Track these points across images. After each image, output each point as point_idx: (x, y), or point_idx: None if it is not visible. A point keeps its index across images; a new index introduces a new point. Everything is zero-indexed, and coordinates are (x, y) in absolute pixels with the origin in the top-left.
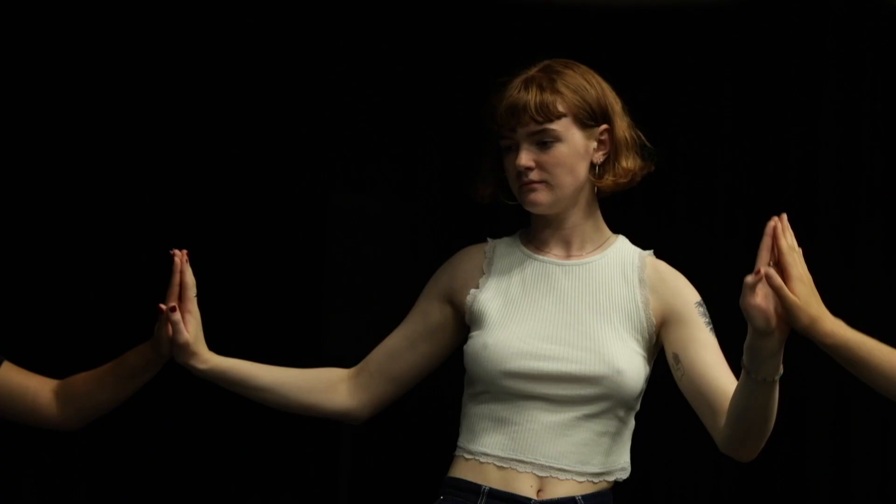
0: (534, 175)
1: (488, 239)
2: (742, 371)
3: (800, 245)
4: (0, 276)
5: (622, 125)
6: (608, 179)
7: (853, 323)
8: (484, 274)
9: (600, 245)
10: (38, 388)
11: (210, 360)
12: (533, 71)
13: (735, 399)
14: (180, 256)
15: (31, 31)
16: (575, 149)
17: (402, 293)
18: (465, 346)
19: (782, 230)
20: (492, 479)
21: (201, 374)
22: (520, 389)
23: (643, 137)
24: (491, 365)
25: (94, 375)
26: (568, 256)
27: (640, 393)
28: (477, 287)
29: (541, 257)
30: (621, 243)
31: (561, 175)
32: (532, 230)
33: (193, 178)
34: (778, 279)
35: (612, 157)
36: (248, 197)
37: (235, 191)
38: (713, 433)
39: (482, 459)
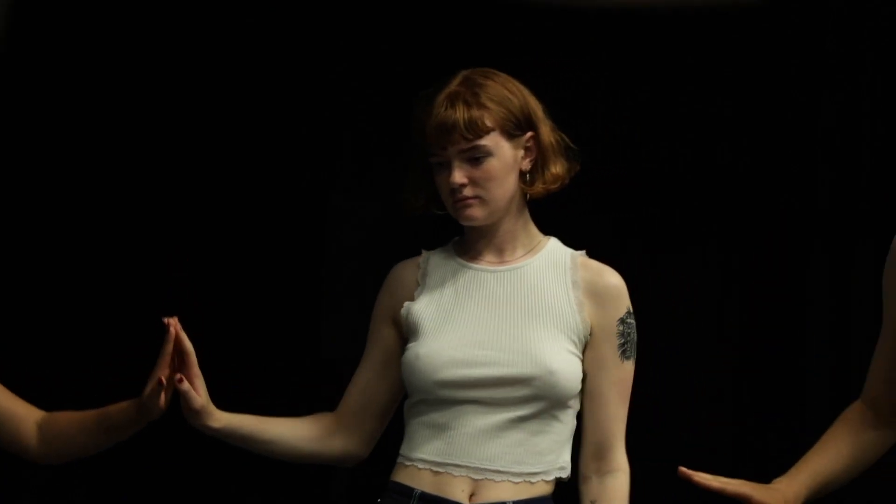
0: (467, 191)
1: (422, 251)
2: None
3: (798, 253)
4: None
5: (546, 130)
6: (538, 186)
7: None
8: (419, 285)
9: (531, 248)
10: (23, 416)
11: (222, 417)
12: (455, 85)
13: None
14: (174, 325)
15: (33, 32)
16: (505, 161)
17: None
18: (402, 358)
19: (689, 477)
20: (425, 484)
21: (214, 432)
22: (454, 396)
23: (567, 139)
24: (424, 375)
25: (79, 419)
26: (500, 262)
27: (576, 392)
28: (412, 299)
29: (473, 265)
30: (553, 245)
31: (493, 189)
32: (466, 239)
33: (193, 179)
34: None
35: (539, 162)
36: (248, 197)
37: (235, 191)
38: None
39: (420, 465)
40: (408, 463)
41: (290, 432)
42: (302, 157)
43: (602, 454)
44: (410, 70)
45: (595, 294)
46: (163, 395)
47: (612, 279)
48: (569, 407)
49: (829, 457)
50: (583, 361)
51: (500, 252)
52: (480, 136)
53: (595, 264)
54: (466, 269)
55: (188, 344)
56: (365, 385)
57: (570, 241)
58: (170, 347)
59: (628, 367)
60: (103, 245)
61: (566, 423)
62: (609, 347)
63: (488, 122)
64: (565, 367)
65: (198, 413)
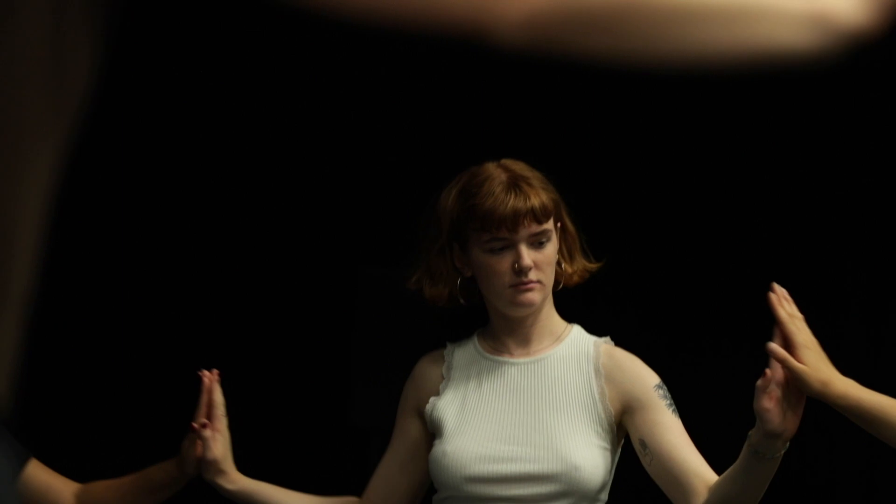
0: (532, 275)
1: (447, 344)
2: (747, 448)
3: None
4: None
5: (569, 219)
6: (574, 278)
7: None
8: (444, 379)
9: (556, 338)
10: (60, 490)
11: (238, 480)
12: (502, 174)
13: (731, 477)
14: (209, 378)
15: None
16: (556, 246)
17: None
18: (429, 455)
19: (779, 300)
20: None
21: (228, 494)
22: (482, 493)
23: (580, 230)
24: (451, 472)
25: (116, 486)
26: (525, 354)
27: (605, 484)
28: (437, 394)
29: (497, 357)
30: (576, 333)
31: (550, 273)
32: (491, 330)
33: (225, 249)
34: (781, 352)
35: (564, 251)
36: (281, 264)
37: (268, 258)
38: None
39: None
40: None
41: None
42: (334, 225)
43: (705, 473)
44: (442, 145)
45: (621, 377)
46: (199, 444)
47: (636, 360)
48: (596, 500)
49: (893, 405)
50: (618, 443)
51: (526, 343)
52: (548, 220)
53: (618, 350)
54: (490, 362)
55: (219, 396)
56: (386, 477)
57: (595, 329)
58: (205, 398)
59: (680, 422)
60: (128, 321)
61: None
62: (657, 408)
63: (550, 206)
64: (591, 460)
65: (212, 466)
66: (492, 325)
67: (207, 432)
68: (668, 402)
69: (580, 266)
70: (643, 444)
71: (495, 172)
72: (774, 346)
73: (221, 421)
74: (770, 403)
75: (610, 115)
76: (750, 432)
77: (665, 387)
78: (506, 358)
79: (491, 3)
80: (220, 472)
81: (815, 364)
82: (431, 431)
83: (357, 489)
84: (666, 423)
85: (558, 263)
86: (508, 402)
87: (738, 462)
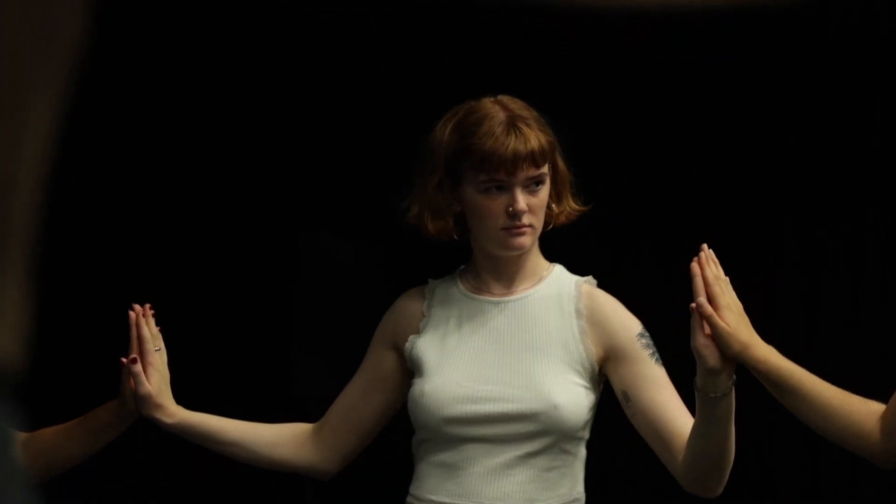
0: (525, 219)
1: (429, 280)
2: (697, 395)
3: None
4: None
5: (560, 159)
6: (561, 217)
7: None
8: (424, 317)
9: (538, 278)
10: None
11: (176, 413)
12: (500, 113)
13: (695, 427)
14: (137, 311)
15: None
16: (548, 189)
17: (370, 335)
18: (408, 394)
19: (706, 261)
20: None
21: (168, 427)
22: (460, 433)
23: (570, 169)
24: (430, 412)
25: (63, 429)
26: (506, 293)
27: (586, 423)
28: (417, 332)
29: (477, 297)
30: (558, 273)
31: (542, 217)
32: (474, 269)
33: (163, 218)
34: (708, 308)
35: (554, 191)
36: (218, 236)
37: (206, 230)
38: (675, 472)
39: None
40: (416, 503)
41: (255, 437)
42: (274, 196)
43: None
44: (381, 112)
45: (603, 321)
46: (131, 380)
47: (618, 306)
48: (579, 438)
49: (810, 379)
50: (599, 382)
51: (508, 282)
52: (546, 163)
53: (600, 293)
54: (471, 301)
55: (146, 331)
56: (350, 403)
57: (577, 268)
58: (134, 332)
59: (664, 372)
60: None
61: (577, 455)
62: (641, 360)
63: (547, 150)
64: (570, 399)
65: (145, 401)
66: (475, 263)
67: (137, 367)
68: (652, 351)
69: (568, 207)
70: (626, 396)
71: (493, 110)
72: (700, 302)
73: (153, 355)
74: (705, 339)
75: (596, 54)
76: (694, 379)
77: (648, 334)
78: (486, 297)
79: None
80: (157, 405)
81: (737, 326)
82: (410, 369)
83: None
84: (650, 377)
85: (548, 205)
86: (488, 342)
87: (695, 414)
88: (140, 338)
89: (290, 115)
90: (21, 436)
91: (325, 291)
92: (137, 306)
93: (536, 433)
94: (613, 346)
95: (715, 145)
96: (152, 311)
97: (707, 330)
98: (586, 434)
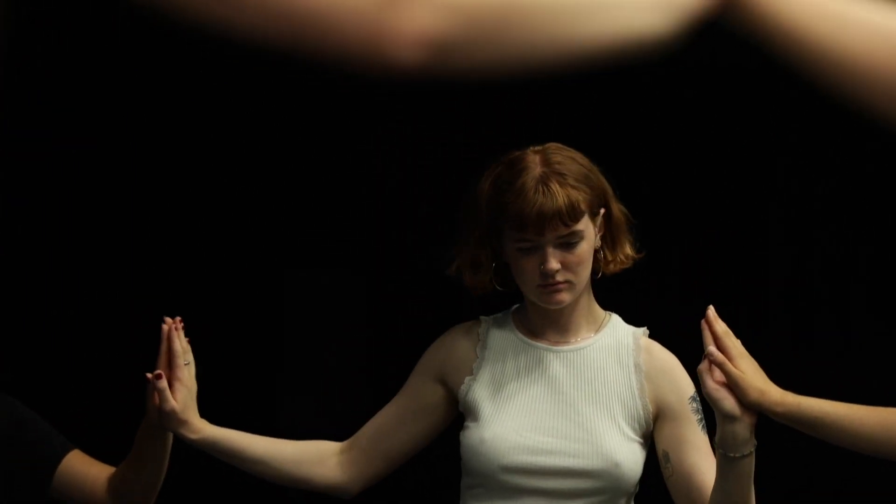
0: (559, 276)
1: (481, 318)
2: (717, 456)
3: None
4: None
5: (616, 206)
6: (612, 267)
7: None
8: (477, 358)
9: (595, 327)
10: (97, 476)
11: (202, 429)
12: (538, 167)
13: (715, 489)
14: (169, 324)
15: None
16: (591, 243)
17: (357, 368)
18: (461, 436)
19: (714, 318)
20: None
21: (193, 443)
22: (517, 484)
23: (629, 215)
24: (488, 460)
25: (129, 461)
26: (563, 342)
27: (638, 480)
28: (471, 373)
29: (534, 343)
30: (615, 323)
31: (582, 272)
32: (526, 313)
33: (151, 253)
34: (719, 355)
35: (608, 239)
36: (205, 272)
37: (193, 266)
38: None
39: None
40: None
41: (280, 454)
42: (258, 232)
43: None
44: (368, 149)
45: (661, 380)
46: (156, 396)
47: (676, 364)
48: (631, 494)
49: (832, 405)
50: (651, 442)
51: (564, 331)
52: (577, 221)
53: (658, 348)
54: (528, 347)
55: (178, 345)
56: (383, 427)
57: (631, 318)
58: (164, 346)
59: (707, 439)
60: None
61: None
62: (688, 424)
63: (582, 206)
64: (630, 457)
65: (170, 416)
66: (527, 308)
67: (162, 383)
68: (700, 416)
69: (622, 255)
70: (667, 456)
71: (531, 164)
72: (712, 350)
73: (182, 369)
74: (716, 384)
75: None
76: (714, 438)
77: (698, 398)
78: (544, 344)
79: (384, 23)
80: (182, 422)
81: (752, 373)
82: (462, 411)
83: (287, 490)
84: (694, 442)
85: (600, 250)
86: (546, 391)
87: (716, 471)
88: (171, 351)
89: (280, 148)
90: (111, 470)
91: (313, 328)
92: (169, 319)
93: (595, 490)
94: (666, 405)
95: (714, 147)
96: (182, 324)
97: (718, 376)
98: (637, 489)
